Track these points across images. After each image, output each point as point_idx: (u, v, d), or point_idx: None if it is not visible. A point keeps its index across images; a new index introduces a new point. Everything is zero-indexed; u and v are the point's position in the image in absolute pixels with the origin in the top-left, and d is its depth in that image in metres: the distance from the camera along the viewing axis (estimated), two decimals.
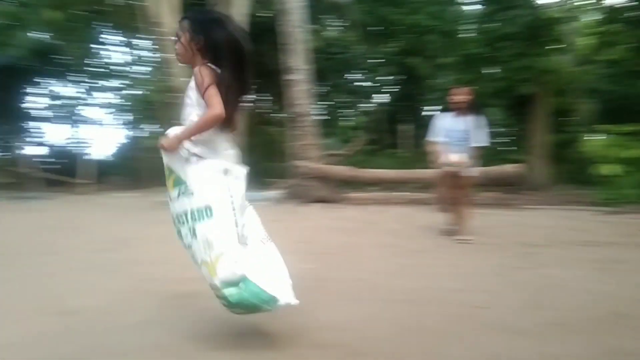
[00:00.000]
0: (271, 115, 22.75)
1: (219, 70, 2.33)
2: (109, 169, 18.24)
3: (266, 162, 16.86)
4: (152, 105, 14.29)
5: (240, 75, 2.39)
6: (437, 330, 2.87)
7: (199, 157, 2.37)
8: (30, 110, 17.93)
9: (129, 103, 16.20)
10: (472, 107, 5.78)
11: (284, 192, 10.34)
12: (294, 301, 2.42)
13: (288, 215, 8.36)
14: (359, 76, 19.43)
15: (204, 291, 3.66)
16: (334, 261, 4.86)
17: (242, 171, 2.60)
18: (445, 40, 16.31)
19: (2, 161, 15.41)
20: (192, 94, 2.43)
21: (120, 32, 17.04)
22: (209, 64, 2.35)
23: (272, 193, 10.94)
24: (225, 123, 2.39)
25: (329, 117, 18.80)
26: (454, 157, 5.70)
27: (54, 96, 20.00)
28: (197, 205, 2.33)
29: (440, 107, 7.64)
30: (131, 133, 19.04)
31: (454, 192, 5.94)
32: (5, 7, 10.93)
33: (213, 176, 2.37)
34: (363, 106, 20.18)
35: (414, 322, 3.02)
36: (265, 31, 17.12)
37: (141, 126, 17.22)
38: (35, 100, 18.70)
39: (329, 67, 17.52)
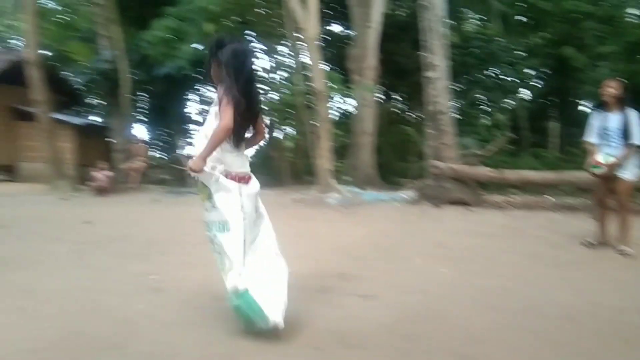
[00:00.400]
0: (405, 114, 22.45)
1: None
2: (253, 167, 19.67)
3: (399, 161, 16.68)
4: (291, 108, 15.06)
5: (249, 96, 2.73)
6: (597, 354, 2.53)
7: (221, 175, 2.69)
8: (187, 114, 20.26)
9: (269, 107, 17.28)
10: (624, 102, 5.06)
11: (417, 193, 10.10)
12: (281, 325, 2.63)
13: (421, 217, 8.14)
14: (499, 71, 18.20)
15: (338, 287, 3.76)
16: (470, 267, 4.59)
17: (254, 188, 2.87)
18: (605, 27, 14.45)
19: (165, 160, 17.62)
20: (212, 109, 2.78)
21: (263, 39, 18.29)
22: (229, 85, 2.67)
23: (404, 194, 10.77)
24: (237, 139, 2.73)
25: (467, 115, 17.91)
26: (605, 158, 5.03)
27: (206, 101, 22.21)
28: (220, 219, 2.68)
29: (594, 103, 6.78)
30: (271, 134, 20.32)
31: (609, 198, 5.24)
32: (169, 23, 12.41)
33: (231, 195, 2.68)
34: (504, 103, 18.85)
35: (570, 340, 2.69)
36: (401, 30, 16.97)
37: (279, 128, 18.26)
38: (191, 105, 21.11)
39: (467, 62, 16.70)
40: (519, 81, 18.16)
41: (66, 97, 17.71)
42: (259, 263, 2.77)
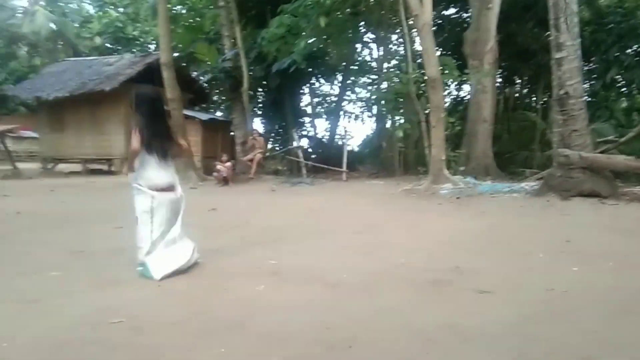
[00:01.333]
0: (527, 99, 20.87)
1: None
2: (361, 158, 19.79)
3: (519, 150, 15.55)
4: (402, 97, 14.80)
5: (152, 128, 3.88)
6: None
7: (139, 184, 3.89)
8: (302, 108, 20.91)
9: (379, 96, 17.16)
10: None
11: (541, 184, 9.32)
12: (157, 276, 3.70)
13: (545, 210, 7.50)
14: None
15: (452, 281, 3.61)
16: (603, 266, 4.12)
17: (171, 196, 4.00)
18: None
19: (280, 151, 18.39)
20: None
21: (373, 29, 18.16)
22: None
23: (526, 185, 10.02)
24: (160, 155, 3.91)
25: (602, 99, 16.07)
26: None
27: (320, 94, 22.74)
28: (135, 213, 3.91)
29: None
30: (380, 125, 20.19)
31: None
32: (285, 20, 12.86)
33: (142, 199, 3.88)
34: None
35: None
36: (524, 8, 15.72)
37: (389, 118, 18.05)
38: (305, 99, 21.78)
39: (602, 39, 14.97)
40: None
41: (193, 94, 19.33)
42: (165, 244, 3.89)
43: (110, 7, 29.57)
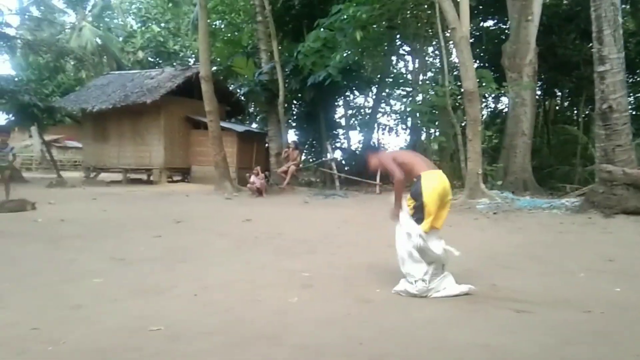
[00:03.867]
0: (568, 112, 20.31)
1: None
2: None
3: (560, 165, 15.12)
4: (436, 110, 14.67)
5: None
6: None
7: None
8: (336, 120, 21.02)
9: (414, 109, 17.08)
10: None
11: (583, 201, 9.02)
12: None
13: (587, 227, 7.25)
14: None
15: (489, 299, 3.53)
16: None
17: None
18: None
19: (314, 163, 18.51)
20: None
21: (409, 41, 18.15)
22: None
23: (566, 201, 9.72)
24: None
25: None
26: None
27: (354, 106, 22.80)
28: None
29: None
30: (415, 137, 20.06)
31: None
32: (321, 34, 13.02)
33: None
34: None
35: None
36: (565, 20, 15.40)
37: (424, 130, 17.90)
38: (339, 111, 21.90)
39: None
40: None
41: (230, 106, 19.76)
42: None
43: (153, 22, 30.66)
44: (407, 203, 3.74)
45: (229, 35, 21.25)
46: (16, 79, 18.85)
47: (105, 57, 29.55)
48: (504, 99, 16.85)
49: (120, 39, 31.80)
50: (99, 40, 28.76)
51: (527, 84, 12.83)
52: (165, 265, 4.64)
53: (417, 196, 3.65)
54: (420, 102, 16.31)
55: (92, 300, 3.44)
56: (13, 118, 19.20)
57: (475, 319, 3.16)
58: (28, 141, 30.83)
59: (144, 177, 18.59)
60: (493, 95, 16.51)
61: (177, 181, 18.20)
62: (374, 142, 20.74)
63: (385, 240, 6.14)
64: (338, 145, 20.84)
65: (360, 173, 16.07)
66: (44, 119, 19.67)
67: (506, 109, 15.97)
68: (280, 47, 16.35)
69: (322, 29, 13.16)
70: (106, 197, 11.87)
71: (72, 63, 28.65)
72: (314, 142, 20.62)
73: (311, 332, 2.88)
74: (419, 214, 3.62)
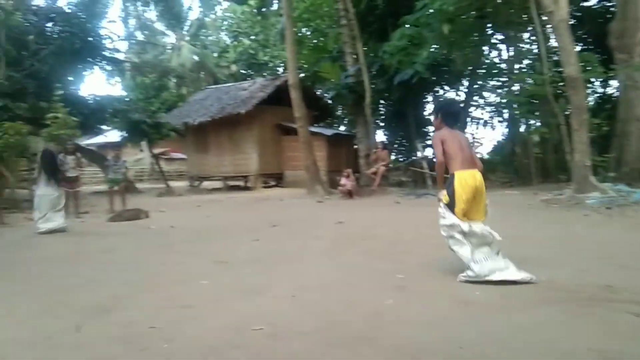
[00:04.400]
0: None
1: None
2: (492, 166, 18.69)
3: None
4: (535, 100, 13.74)
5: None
6: None
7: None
8: (425, 117, 20.54)
9: (511, 100, 16.14)
10: None
11: None
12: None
13: None
14: None
15: (605, 301, 3.23)
16: None
17: None
18: None
19: (404, 163, 18.24)
20: None
21: (501, 29, 17.19)
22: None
23: None
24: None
25: None
26: None
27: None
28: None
29: None
30: (513, 130, 18.96)
31: None
32: (407, 31, 12.81)
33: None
34: None
35: None
36: None
37: (523, 122, 16.85)
38: (428, 108, 21.36)
39: None
40: None
41: (318, 111, 20.14)
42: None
43: (244, 36, 32.23)
44: (444, 198, 4.08)
45: (315, 41, 21.69)
46: (127, 99, 20.80)
47: (202, 72, 31.63)
48: (613, 82, 15.32)
49: (215, 54, 33.87)
50: (196, 58, 30.87)
51: (638, 65, 11.58)
52: (264, 267, 4.85)
53: (450, 194, 4.01)
54: (517, 93, 15.39)
55: (200, 300, 3.69)
56: (126, 134, 21.23)
57: (588, 322, 2.91)
58: (139, 155, 33.90)
59: (242, 183, 19.57)
60: (600, 79, 15.09)
61: (271, 186, 18.92)
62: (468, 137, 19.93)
63: None
64: (429, 143, 20.31)
65: None
66: (152, 134, 21.47)
67: (616, 94, 14.52)
68: (365, 48, 16.34)
69: (407, 26, 12.95)
70: (209, 204, 12.68)
71: (174, 81, 31.09)
72: (404, 141, 20.33)
73: (408, 334, 2.84)
74: (452, 208, 3.98)
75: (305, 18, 20.78)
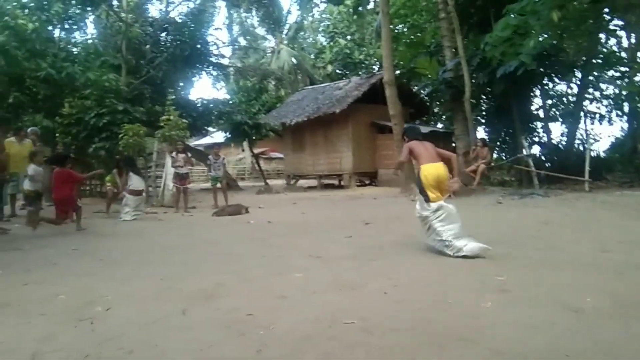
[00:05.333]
0: None
1: None
2: (609, 165, 16.95)
3: None
4: None
5: None
6: None
7: None
8: (532, 112, 19.13)
9: (632, 91, 14.51)
10: None
11: None
12: None
13: None
14: None
15: None
16: None
17: None
18: None
19: (507, 161, 17.18)
20: None
21: (620, 14, 15.51)
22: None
23: None
24: None
25: None
26: None
27: (554, 95, 20.44)
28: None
29: None
30: (635, 125, 17.03)
31: None
32: (510, 20, 12.02)
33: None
34: None
35: None
36: None
37: None
38: (536, 102, 19.88)
39: None
40: None
41: (414, 108, 19.73)
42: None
43: (340, 36, 32.58)
44: (416, 189, 5.61)
45: (412, 37, 21.25)
46: (230, 102, 22.06)
47: (299, 74, 32.53)
48: None
49: (312, 56, 34.64)
50: (294, 60, 31.81)
51: None
52: (358, 263, 4.86)
53: (419, 183, 5.39)
54: (639, 84, 13.81)
55: (295, 292, 3.80)
56: (229, 135, 22.53)
57: None
58: (241, 155, 35.79)
59: (336, 182, 19.81)
60: None
61: (365, 185, 18.92)
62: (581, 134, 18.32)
63: (598, 244, 5.37)
64: (535, 139, 18.96)
65: (565, 169, 14.35)
66: (253, 135, 22.59)
67: None
68: (465, 41, 15.68)
69: (511, 15, 12.19)
70: (304, 202, 13.01)
71: (273, 83, 32.35)
72: (507, 138, 19.12)
73: (509, 338, 2.68)
74: (424, 195, 5.31)
75: (402, 14, 20.42)
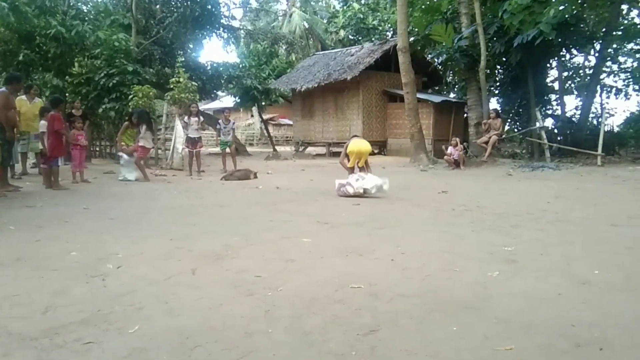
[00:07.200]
0: None
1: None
2: (623, 139, 16.70)
3: None
4: None
5: None
6: None
7: None
8: (547, 84, 18.70)
9: None
10: None
11: None
12: None
13: None
14: None
15: None
16: None
17: None
18: None
19: (520, 133, 16.95)
20: None
21: None
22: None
23: None
24: None
25: None
26: None
27: (571, 67, 19.99)
28: None
29: None
30: None
31: None
32: None
33: None
34: None
35: None
36: None
37: None
38: (552, 74, 19.43)
39: None
40: None
41: (427, 77, 19.40)
42: None
43: (353, 0, 31.78)
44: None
45: (428, 2, 20.66)
46: (240, 66, 21.80)
47: (311, 39, 31.95)
48: None
49: (324, 20, 33.90)
50: (306, 24, 31.21)
51: None
52: (366, 230, 4.88)
53: (345, 150, 8.16)
54: None
55: (302, 256, 3.84)
56: (239, 100, 22.34)
57: None
58: (250, 120, 35.64)
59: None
60: None
61: (374, 154, 18.83)
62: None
63: (608, 218, 5.34)
64: (549, 112, 18.64)
65: (578, 143, 14.15)
66: (262, 100, 22.37)
67: None
68: (482, 8, 15.21)
69: None
70: (312, 169, 13.00)
71: (284, 47, 31.83)
72: (520, 110, 18.81)
73: (515, 308, 2.69)
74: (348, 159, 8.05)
75: None
